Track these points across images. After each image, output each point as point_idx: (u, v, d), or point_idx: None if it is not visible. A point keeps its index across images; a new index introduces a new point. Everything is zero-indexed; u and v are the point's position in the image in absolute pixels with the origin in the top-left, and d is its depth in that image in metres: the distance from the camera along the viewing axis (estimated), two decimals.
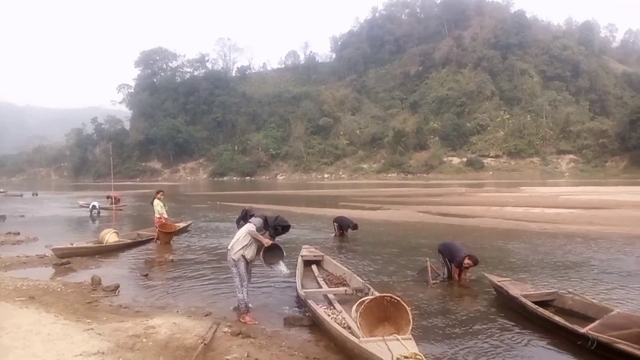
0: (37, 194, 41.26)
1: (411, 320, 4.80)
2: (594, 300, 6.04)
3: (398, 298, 5.06)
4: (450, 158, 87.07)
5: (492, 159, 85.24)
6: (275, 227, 6.56)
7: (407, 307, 4.96)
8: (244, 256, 6.34)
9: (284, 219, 6.67)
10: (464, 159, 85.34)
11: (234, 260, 6.32)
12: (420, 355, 4.16)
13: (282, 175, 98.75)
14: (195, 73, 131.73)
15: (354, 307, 5.18)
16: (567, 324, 5.17)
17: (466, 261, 7.78)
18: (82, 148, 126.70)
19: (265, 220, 6.61)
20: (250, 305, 6.46)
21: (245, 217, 10.67)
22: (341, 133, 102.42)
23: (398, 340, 4.49)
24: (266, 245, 6.30)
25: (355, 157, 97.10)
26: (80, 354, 4.55)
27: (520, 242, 12.37)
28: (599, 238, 12.63)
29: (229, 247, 6.48)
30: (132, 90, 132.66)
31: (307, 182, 72.61)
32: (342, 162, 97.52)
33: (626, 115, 75.20)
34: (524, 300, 6.06)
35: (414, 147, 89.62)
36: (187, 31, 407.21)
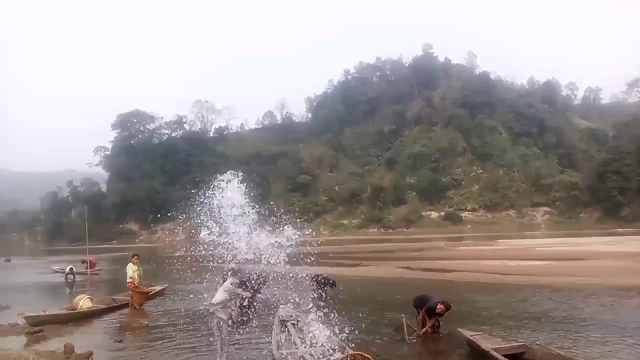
0: (9, 260, 39.83)
1: None
2: (561, 352, 6.24)
3: (369, 356, 5.20)
4: (428, 212, 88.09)
5: (470, 212, 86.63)
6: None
7: None
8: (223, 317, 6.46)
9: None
10: (442, 213, 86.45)
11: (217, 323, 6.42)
12: None
13: None
14: (173, 134, 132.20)
15: None
16: None
17: (439, 306, 7.95)
18: (57, 212, 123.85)
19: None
20: None
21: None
22: (320, 190, 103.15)
23: None
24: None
25: (335, 214, 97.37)
26: None
27: (495, 295, 12.60)
28: (573, 290, 12.94)
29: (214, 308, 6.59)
30: (108, 152, 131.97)
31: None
32: (323, 219, 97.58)
33: (594, 167, 77.97)
34: (494, 353, 6.23)
35: (392, 202, 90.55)
36: (164, 93, 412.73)
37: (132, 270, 12.77)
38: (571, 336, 8.09)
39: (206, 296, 14.39)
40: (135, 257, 13.39)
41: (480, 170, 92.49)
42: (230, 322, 6.63)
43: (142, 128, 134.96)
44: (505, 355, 6.23)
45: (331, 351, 6.84)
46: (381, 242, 47.01)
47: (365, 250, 36.46)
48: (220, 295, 6.53)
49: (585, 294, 12.29)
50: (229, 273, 7.20)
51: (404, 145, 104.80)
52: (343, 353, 6.31)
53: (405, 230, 79.94)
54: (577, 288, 13.23)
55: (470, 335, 7.13)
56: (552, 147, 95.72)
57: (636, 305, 10.80)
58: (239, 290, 6.51)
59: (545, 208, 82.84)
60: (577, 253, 23.30)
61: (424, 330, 8.20)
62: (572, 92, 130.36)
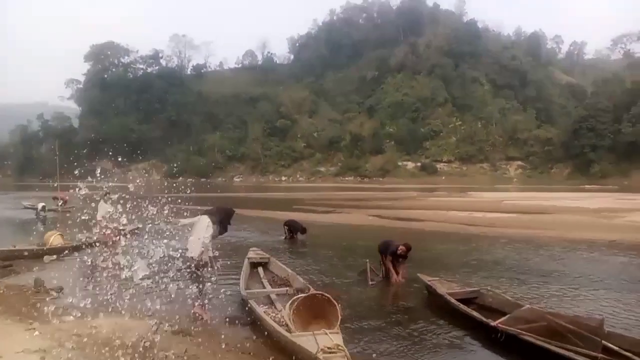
0: None
1: (339, 317, 5.20)
2: (509, 297, 6.67)
3: (328, 296, 5.46)
4: (405, 162, 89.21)
5: (445, 164, 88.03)
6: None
7: (336, 304, 5.36)
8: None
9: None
10: (418, 164, 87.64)
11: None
12: (342, 347, 4.57)
13: (238, 177, 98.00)
14: (149, 70, 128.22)
15: (287, 305, 5.55)
16: (482, 318, 5.74)
17: (400, 248, 8.29)
18: (27, 146, 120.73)
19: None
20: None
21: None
22: (299, 135, 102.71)
23: (326, 334, 4.87)
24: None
25: (312, 160, 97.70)
26: (22, 351, 4.66)
27: (457, 244, 13.18)
28: (533, 242, 13.56)
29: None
30: (81, 86, 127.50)
31: (264, 185, 72.53)
32: (300, 165, 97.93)
33: (570, 124, 79.55)
34: (448, 297, 6.62)
35: (370, 151, 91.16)
36: (139, 25, 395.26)
37: (103, 210, 12.75)
38: (518, 283, 8.66)
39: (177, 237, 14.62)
40: (107, 195, 13.32)
41: (459, 122, 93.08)
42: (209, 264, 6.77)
43: (116, 61, 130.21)
44: (459, 300, 6.61)
45: (295, 292, 7.13)
46: (356, 191, 47.68)
47: (340, 197, 36.98)
48: (199, 241, 6.59)
49: (539, 245, 12.97)
50: (207, 211, 7.17)
51: (385, 93, 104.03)
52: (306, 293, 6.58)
53: (381, 179, 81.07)
54: (534, 240, 13.87)
55: (429, 280, 7.50)
56: (531, 101, 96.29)
57: (582, 257, 11.44)
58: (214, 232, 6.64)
59: (519, 162, 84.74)
60: (543, 207, 24.18)
61: (396, 279, 8.51)
62: (557, 45, 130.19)
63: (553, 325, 5.13)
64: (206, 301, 6.71)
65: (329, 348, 4.51)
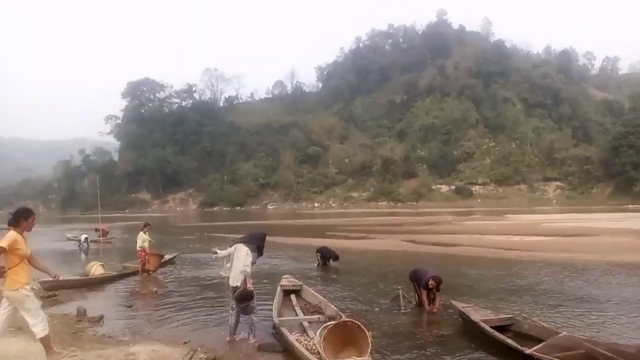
0: None
1: (370, 344, 5.21)
2: (545, 325, 6.50)
3: (359, 323, 5.49)
4: (439, 186, 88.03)
5: (480, 186, 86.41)
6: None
7: (367, 331, 5.38)
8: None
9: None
10: (453, 187, 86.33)
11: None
12: None
13: (272, 205, 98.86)
14: (183, 103, 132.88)
15: (318, 332, 5.60)
16: (517, 345, 5.62)
17: (430, 282, 8.22)
18: (70, 180, 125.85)
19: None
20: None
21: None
22: (330, 162, 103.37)
23: None
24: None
25: (345, 186, 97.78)
26: None
27: (493, 269, 12.88)
28: (573, 266, 13.10)
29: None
30: (119, 121, 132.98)
31: (298, 212, 72.82)
32: (332, 191, 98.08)
33: (608, 141, 77.02)
34: (482, 324, 6.51)
35: (402, 175, 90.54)
36: (173, 61, 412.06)
37: (142, 240, 13.22)
38: (555, 309, 8.41)
39: (213, 265, 14.96)
40: (147, 226, 13.83)
41: (493, 143, 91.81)
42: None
43: (152, 97, 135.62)
44: (494, 327, 6.50)
45: (327, 319, 7.16)
46: (389, 216, 47.34)
47: (372, 223, 36.79)
48: (240, 270, 6.84)
49: (578, 269, 12.55)
50: (242, 240, 7.34)
51: (415, 117, 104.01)
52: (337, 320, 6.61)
53: (414, 203, 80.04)
54: (572, 264, 13.41)
55: (463, 307, 7.40)
56: (566, 119, 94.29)
57: (623, 281, 11.00)
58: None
59: (557, 183, 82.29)
60: (583, 229, 23.38)
61: (432, 308, 8.39)
62: (589, 61, 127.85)
63: (591, 353, 5.00)
64: (249, 330, 6.86)
65: None
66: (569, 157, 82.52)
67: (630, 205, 52.05)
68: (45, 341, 5.36)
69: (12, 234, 5.34)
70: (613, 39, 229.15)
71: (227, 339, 6.80)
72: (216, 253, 7.34)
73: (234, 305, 6.88)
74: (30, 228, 5.72)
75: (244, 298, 6.71)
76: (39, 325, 5.25)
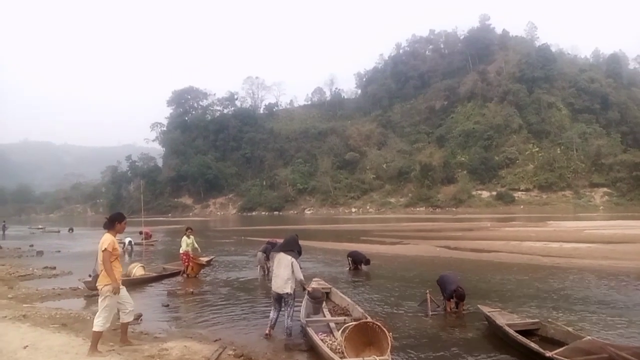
0: (72, 230, 42.51)
1: (390, 343, 5.36)
2: (571, 329, 6.45)
3: (379, 323, 5.65)
4: (479, 192, 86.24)
5: (523, 192, 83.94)
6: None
7: (387, 331, 5.53)
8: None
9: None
10: (494, 193, 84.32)
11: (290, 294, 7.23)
12: None
13: (309, 210, 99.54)
14: (225, 111, 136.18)
15: (339, 332, 5.78)
16: (538, 348, 5.63)
17: (454, 296, 8.35)
18: (117, 185, 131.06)
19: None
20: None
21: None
22: (368, 167, 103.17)
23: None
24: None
25: (382, 192, 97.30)
26: None
27: (525, 275, 12.68)
28: (608, 273, 12.77)
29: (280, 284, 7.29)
30: (164, 128, 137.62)
31: (335, 217, 73.04)
32: (370, 197, 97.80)
33: None
34: (506, 328, 6.53)
35: (441, 181, 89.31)
36: (216, 70, 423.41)
37: (185, 244, 13.78)
38: (583, 314, 8.35)
39: (248, 268, 15.36)
40: (189, 230, 14.38)
41: (536, 149, 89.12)
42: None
43: (195, 104, 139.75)
44: (519, 331, 6.50)
45: (352, 321, 7.32)
46: (426, 222, 46.79)
47: (409, 229, 36.52)
48: (289, 277, 7.22)
49: (612, 276, 12.23)
50: (282, 248, 7.73)
51: (455, 122, 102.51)
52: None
53: (454, 209, 78.73)
54: (608, 271, 13.04)
55: (489, 312, 7.41)
56: (615, 124, 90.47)
57: None
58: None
59: (605, 189, 78.84)
60: (627, 236, 22.44)
61: (448, 310, 8.56)
62: None
63: (614, 357, 4.96)
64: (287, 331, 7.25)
65: None
66: (617, 163, 79.06)
67: None
68: (96, 337, 5.88)
69: (110, 237, 6.08)
70: None
71: (266, 331, 7.30)
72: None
73: (276, 306, 7.40)
74: (122, 230, 6.46)
75: (318, 297, 7.66)
76: (100, 319, 5.84)
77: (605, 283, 11.39)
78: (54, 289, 11.51)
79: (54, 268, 15.30)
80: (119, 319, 8.43)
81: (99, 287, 6.00)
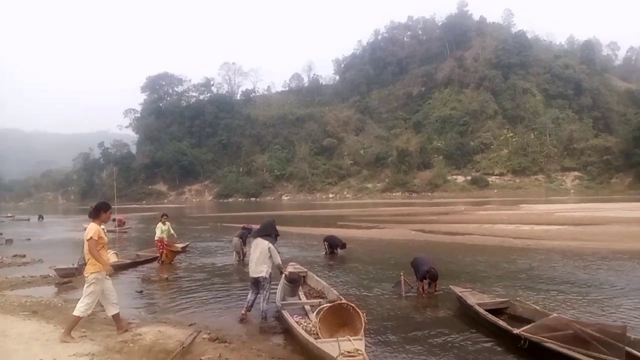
0: (42, 218, 41.43)
1: (363, 324, 5.42)
2: (538, 308, 6.64)
3: (352, 304, 5.71)
4: (454, 177, 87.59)
5: (497, 177, 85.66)
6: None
7: (360, 312, 5.59)
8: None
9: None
10: (469, 178, 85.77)
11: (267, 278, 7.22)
12: (361, 351, 4.80)
13: (287, 196, 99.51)
14: (201, 97, 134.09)
15: (314, 314, 5.82)
16: (506, 326, 5.78)
17: (427, 276, 8.50)
18: (89, 172, 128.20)
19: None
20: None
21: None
22: (345, 153, 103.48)
23: (349, 340, 5.12)
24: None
25: (359, 177, 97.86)
26: (74, 355, 5.23)
27: (496, 257, 12.99)
28: (575, 253, 13.18)
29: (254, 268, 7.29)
30: (138, 114, 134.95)
31: (312, 203, 73.18)
32: (347, 182, 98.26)
33: (630, 131, 75.70)
34: (476, 307, 6.68)
35: (418, 166, 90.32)
36: (192, 56, 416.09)
37: (160, 230, 13.60)
38: (551, 293, 8.62)
39: (223, 254, 15.30)
40: (165, 216, 14.17)
41: (511, 134, 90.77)
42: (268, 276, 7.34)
43: (170, 90, 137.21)
44: (489, 310, 6.65)
45: (327, 303, 7.38)
46: (403, 206, 47.32)
47: (385, 213, 36.92)
48: (264, 262, 7.22)
49: (579, 256, 12.65)
50: (258, 233, 7.69)
51: (432, 108, 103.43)
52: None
53: (429, 194, 79.81)
54: (576, 252, 13.46)
55: (460, 292, 7.57)
56: (587, 109, 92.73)
57: (621, 267, 11.09)
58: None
59: (576, 173, 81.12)
60: (596, 218, 23.17)
61: (422, 293, 8.71)
62: (613, 51, 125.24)
63: (578, 333, 5.11)
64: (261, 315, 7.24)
65: (349, 352, 4.75)
66: (589, 148, 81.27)
67: None
68: (74, 321, 5.94)
69: (95, 226, 6.10)
70: (638, 29, 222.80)
71: (242, 311, 7.31)
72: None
73: (254, 289, 7.38)
74: (107, 220, 6.60)
75: (295, 280, 7.73)
76: (83, 305, 5.91)
77: (572, 263, 11.77)
78: (24, 276, 11.25)
79: (24, 256, 14.95)
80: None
81: (85, 275, 6.02)
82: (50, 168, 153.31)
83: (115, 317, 6.26)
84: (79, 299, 8.78)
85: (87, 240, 5.96)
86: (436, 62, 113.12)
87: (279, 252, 7.46)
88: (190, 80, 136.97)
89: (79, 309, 5.85)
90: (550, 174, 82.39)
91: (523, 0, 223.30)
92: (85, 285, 5.99)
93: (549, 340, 5.18)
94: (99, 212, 6.21)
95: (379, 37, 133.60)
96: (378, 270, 11.48)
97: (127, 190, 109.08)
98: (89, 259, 6.00)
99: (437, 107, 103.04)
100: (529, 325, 5.61)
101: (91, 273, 5.93)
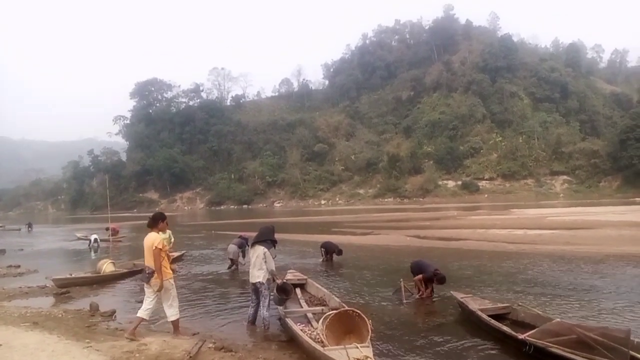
0: (31, 227, 39.93)
1: (370, 331, 5.47)
2: (540, 312, 6.74)
3: (359, 311, 5.74)
4: (445, 181, 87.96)
5: (487, 181, 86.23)
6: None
7: (367, 319, 5.63)
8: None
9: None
10: (459, 182, 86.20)
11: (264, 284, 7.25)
12: (371, 358, 4.84)
13: (279, 203, 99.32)
14: (191, 103, 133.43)
15: (320, 321, 5.86)
16: (511, 331, 5.86)
17: (435, 273, 8.58)
18: (79, 180, 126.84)
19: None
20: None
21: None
22: (336, 159, 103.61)
23: (357, 347, 5.15)
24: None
25: (351, 183, 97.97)
26: None
27: (493, 262, 13.10)
28: (570, 257, 13.34)
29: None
30: (127, 121, 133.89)
31: (304, 209, 73.16)
32: (339, 188, 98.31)
33: (616, 135, 76.55)
34: (479, 313, 6.75)
35: (409, 171, 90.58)
36: (181, 61, 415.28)
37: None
38: (550, 298, 8.69)
39: (220, 261, 15.26)
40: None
41: (500, 138, 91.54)
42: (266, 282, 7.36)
43: (160, 97, 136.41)
44: (491, 316, 6.73)
45: (330, 310, 7.41)
46: (395, 212, 47.52)
47: (379, 219, 37.02)
48: (261, 267, 7.26)
49: (574, 260, 12.81)
50: (256, 240, 7.69)
51: (421, 112, 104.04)
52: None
53: (421, 199, 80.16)
54: (570, 256, 13.62)
55: (461, 297, 7.64)
56: (574, 113, 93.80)
57: (617, 271, 11.25)
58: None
59: (565, 177, 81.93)
60: (587, 222, 23.47)
61: (423, 294, 8.78)
62: (597, 54, 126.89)
63: (582, 338, 5.19)
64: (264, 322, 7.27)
65: (357, 359, 4.79)
66: (576, 151, 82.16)
67: (637, 198, 51.94)
68: (176, 323, 6.64)
69: (156, 235, 6.61)
70: (622, 32, 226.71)
71: (246, 324, 7.42)
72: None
73: (254, 298, 7.45)
74: (165, 229, 7.22)
75: (285, 290, 7.44)
76: (174, 309, 6.61)
77: (566, 267, 11.93)
78: (20, 287, 11.14)
79: (19, 266, 14.82)
80: (92, 315, 8.32)
81: (153, 284, 6.51)
82: (40, 177, 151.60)
83: (175, 324, 6.73)
84: (78, 309, 8.79)
85: (153, 249, 6.39)
86: (424, 66, 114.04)
87: (274, 257, 7.50)
88: (179, 86, 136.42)
89: (172, 314, 6.60)
90: (540, 178, 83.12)
91: (508, 4, 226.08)
92: (163, 291, 6.51)
93: (554, 345, 5.26)
94: (157, 222, 6.71)
95: (367, 41, 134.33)
96: (376, 277, 11.54)
97: (118, 199, 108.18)
98: (157, 267, 6.41)
99: (426, 111, 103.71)
100: (533, 331, 5.69)
101: (168, 279, 6.51)
